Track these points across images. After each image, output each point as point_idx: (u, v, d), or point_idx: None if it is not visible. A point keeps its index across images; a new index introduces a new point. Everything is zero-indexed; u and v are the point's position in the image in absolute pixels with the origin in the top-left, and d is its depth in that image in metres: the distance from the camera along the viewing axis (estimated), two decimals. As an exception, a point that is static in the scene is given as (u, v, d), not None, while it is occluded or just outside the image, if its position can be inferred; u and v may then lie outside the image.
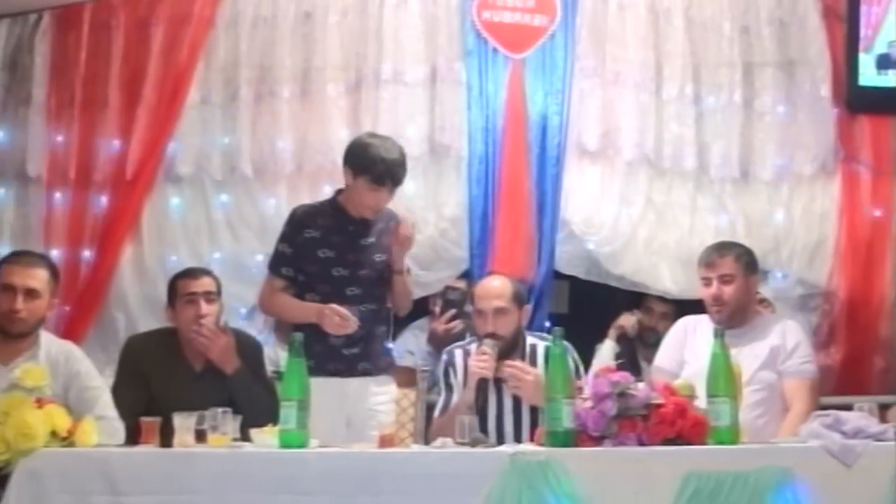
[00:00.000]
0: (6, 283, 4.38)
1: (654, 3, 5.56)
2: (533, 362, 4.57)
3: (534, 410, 4.43)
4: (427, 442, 4.26)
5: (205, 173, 5.55)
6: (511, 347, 4.58)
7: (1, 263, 4.50)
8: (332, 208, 4.70)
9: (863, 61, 5.51)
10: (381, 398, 4.68)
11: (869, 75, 5.52)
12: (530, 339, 4.70)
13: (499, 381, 4.55)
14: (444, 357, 4.78)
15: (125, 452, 3.78)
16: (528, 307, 4.80)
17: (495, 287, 4.67)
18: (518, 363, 4.47)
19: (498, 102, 5.44)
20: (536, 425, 4.16)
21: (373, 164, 4.54)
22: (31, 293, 4.30)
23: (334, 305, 4.47)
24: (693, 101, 5.55)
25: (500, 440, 4.37)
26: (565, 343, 3.96)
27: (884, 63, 5.54)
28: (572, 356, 4.23)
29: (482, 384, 4.47)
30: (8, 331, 4.37)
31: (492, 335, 4.50)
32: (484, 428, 4.42)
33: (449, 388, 4.68)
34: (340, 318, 4.48)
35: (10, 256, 4.64)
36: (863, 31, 5.50)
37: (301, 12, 5.54)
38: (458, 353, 4.73)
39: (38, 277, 4.39)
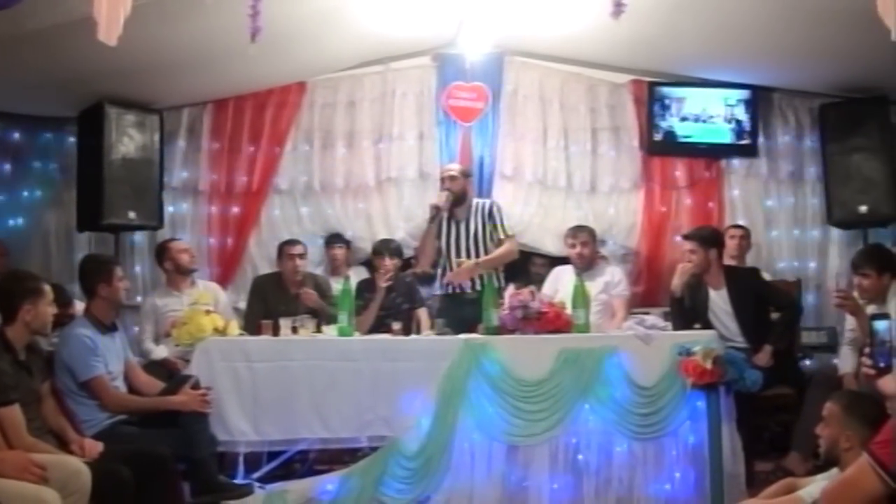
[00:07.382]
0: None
1: (542, 96, 5.46)
2: (476, 213, 4.50)
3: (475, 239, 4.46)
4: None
5: (294, 190, 5.45)
6: (460, 200, 4.49)
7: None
8: None
9: (654, 127, 5.42)
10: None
11: (658, 135, 5.44)
12: (476, 200, 4.62)
13: (451, 220, 4.49)
14: None
15: (254, 339, 3.85)
16: (472, 178, 4.77)
17: (450, 165, 4.74)
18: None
19: (456, 150, 5.36)
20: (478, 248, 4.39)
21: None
22: None
23: None
24: (563, 148, 5.47)
25: (458, 254, 4.43)
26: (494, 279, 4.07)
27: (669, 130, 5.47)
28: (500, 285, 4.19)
29: (437, 211, 4.42)
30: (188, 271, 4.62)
31: (447, 189, 4.48)
32: (448, 253, 4.46)
33: None
34: None
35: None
36: (655, 110, 5.40)
37: (348, 101, 5.45)
38: None
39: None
